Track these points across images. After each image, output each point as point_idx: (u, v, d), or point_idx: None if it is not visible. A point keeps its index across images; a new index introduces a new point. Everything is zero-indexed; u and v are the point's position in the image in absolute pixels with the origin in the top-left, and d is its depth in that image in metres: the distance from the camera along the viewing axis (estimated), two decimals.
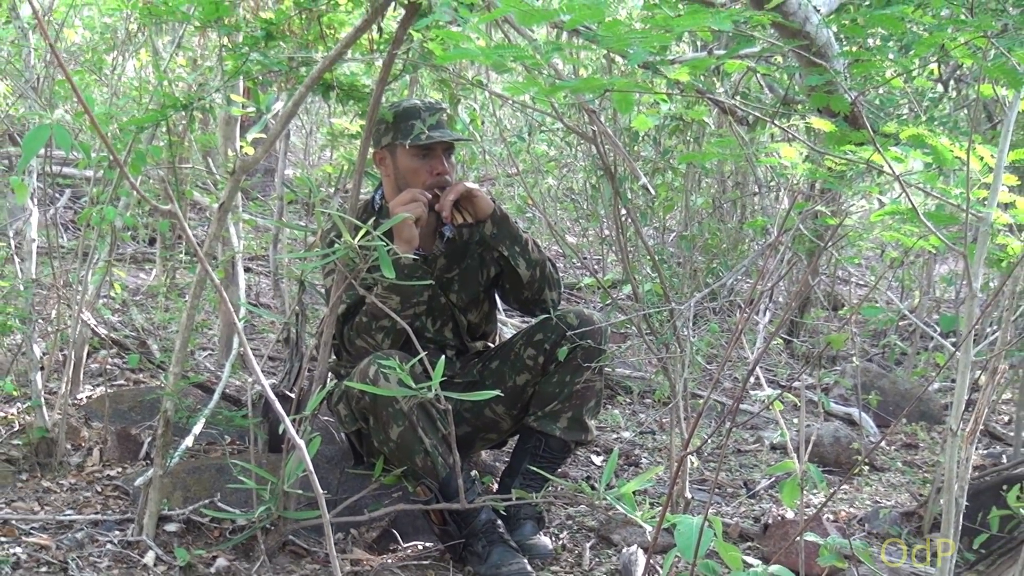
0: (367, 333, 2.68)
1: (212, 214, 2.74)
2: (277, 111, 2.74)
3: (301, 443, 1.36)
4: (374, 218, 2.70)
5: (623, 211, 3.07)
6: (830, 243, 2.43)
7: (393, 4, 2.39)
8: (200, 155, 4.00)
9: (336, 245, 2.45)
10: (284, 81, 2.79)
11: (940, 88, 4.44)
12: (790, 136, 1.93)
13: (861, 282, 6.46)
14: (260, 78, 2.73)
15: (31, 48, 2.98)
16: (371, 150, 2.77)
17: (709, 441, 3.66)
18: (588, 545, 2.78)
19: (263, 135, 3.03)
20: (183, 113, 2.64)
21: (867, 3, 2.53)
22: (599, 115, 2.49)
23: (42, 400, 2.84)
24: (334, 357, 2.81)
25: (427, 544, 2.71)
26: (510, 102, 5.00)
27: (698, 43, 4.40)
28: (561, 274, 5.06)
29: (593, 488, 2.02)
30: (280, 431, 2.71)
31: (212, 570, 2.42)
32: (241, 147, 3.48)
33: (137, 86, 4.36)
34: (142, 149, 2.79)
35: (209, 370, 3.59)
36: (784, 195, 4.91)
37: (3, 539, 2.41)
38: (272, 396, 1.38)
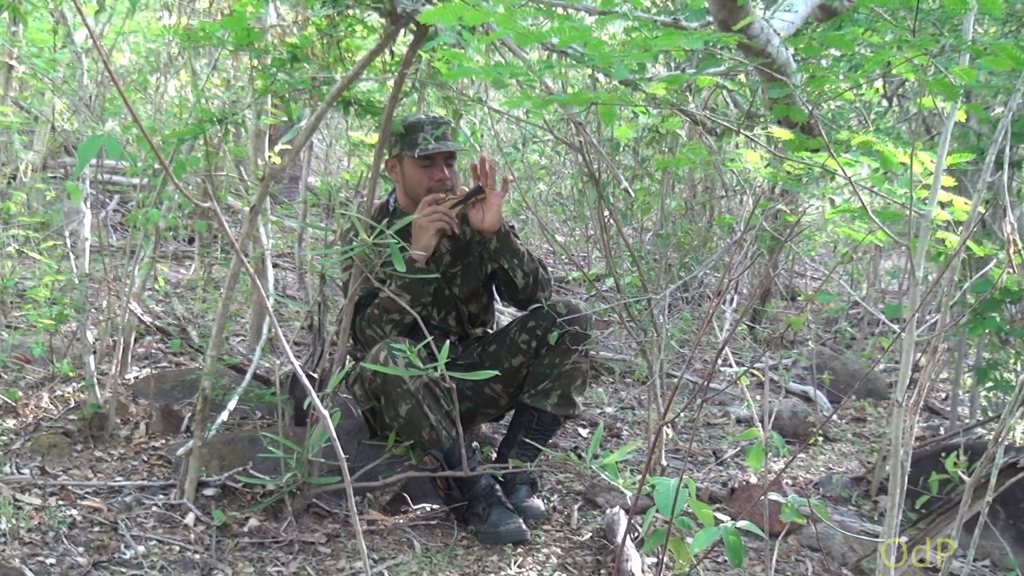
0: (377, 324, 2.67)
1: (244, 216, 2.73)
2: (303, 124, 2.73)
3: (326, 414, 1.35)
4: (388, 218, 2.69)
5: (606, 213, 3.06)
6: (789, 238, 2.43)
7: (403, 30, 2.38)
8: (233, 164, 3.99)
9: (354, 243, 2.44)
10: (308, 98, 2.78)
11: (885, 103, 4.43)
12: (754, 144, 1.92)
13: (815, 276, 6.46)
14: (287, 95, 2.72)
15: (84, 69, 2.96)
16: (385, 158, 2.76)
17: (682, 415, 3.66)
18: (576, 507, 2.78)
19: (289, 146, 3.02)
20: (218, 127, 2.63)
21: (820, 28, 2.52)
22: (585, 127, 2.48)
23: (95, 380, 2.83)
24: (351, 342, 2.80)
25: (434, 506, 2.70)
26: (506, 117, 4.98)
27: (672, 63, 4.39)
28: (551, 269, 5.02)
29: (580, 457, 2.01)
30: (304, 407, 2.70)
31: (245, 529, 2.42)
32: (269, 157, 3.46)
33: (177, 103, 4.34)
34: (182, 159, 2.77)
35: (242, 353, 3.58)
36: (748, 197, 4.90)
37: (61, 502, 2.40)
38: (302, 373, 1.38)
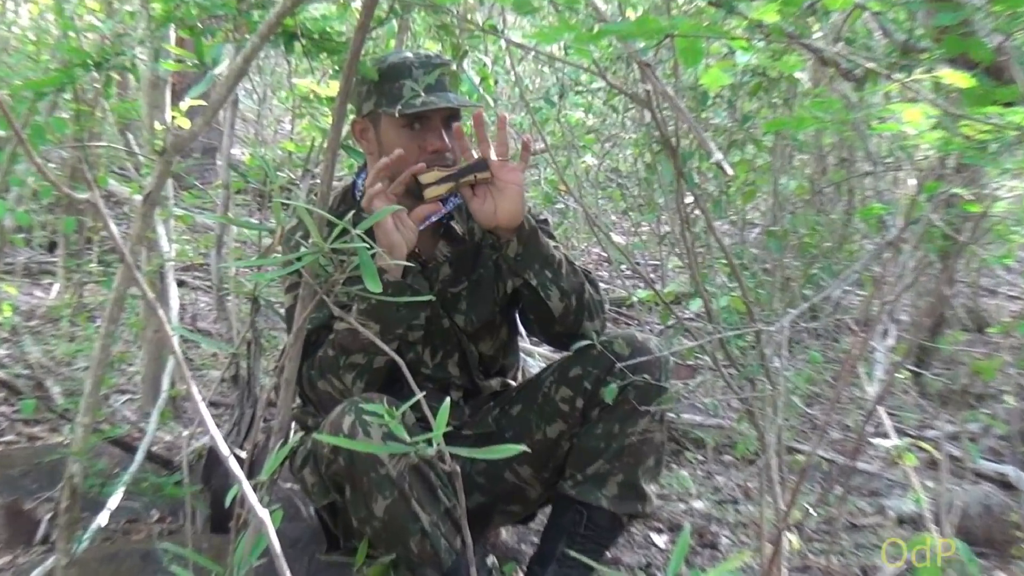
0: (332, 373, 2.66)
1: (133, 208, 2.77)
2: (222, 70, 2.77)
3: (263, 514, 1.38)
4: (354, 211, 2.72)
5: (689, 199, 3.08)
6: (973, 239, 2.45)
7: None
8: (117, 129, 4.04)
9: (302, 249, 2.47)
10: (231, 29, 2.83)
11: None
12: (914, 95, 1.95)
13: (1013, 293, 6.45)
14: (199, 26, 2.76)
15: None
16: (351, 118, 2.78)
17: (814, 513, 3.66)
18: None
19: (203, 102, 3.07)
20: (96, 74, 2.66)
21: None
22: (655, 70, 2.51)
23: None
24: (299, 401, 2.81)
25: None
26: (534, 55, 5.03)
27: None
28: (605, 287, 5.05)
29: None
30: (227, 503, 2.72)
31: None
32: (173, 118, 3.51)
33: (34, 39, 4.41)
34: (41, 122, 2.81)
35: (130, 421, 3.61)
36: (908, 176, 4.91)
37: None
38: (225, 451, 1.41)
